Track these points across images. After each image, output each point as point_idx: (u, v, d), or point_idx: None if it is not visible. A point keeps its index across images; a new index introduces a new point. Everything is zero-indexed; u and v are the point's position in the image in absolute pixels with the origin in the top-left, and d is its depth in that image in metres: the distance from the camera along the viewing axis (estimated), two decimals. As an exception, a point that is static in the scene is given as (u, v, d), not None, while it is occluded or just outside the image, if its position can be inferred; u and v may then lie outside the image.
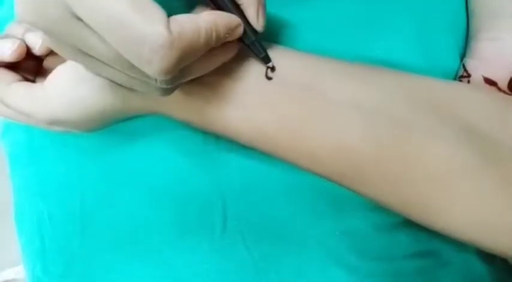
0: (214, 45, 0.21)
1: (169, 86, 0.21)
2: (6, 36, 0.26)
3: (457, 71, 0.29)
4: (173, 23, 0.18)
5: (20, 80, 0.26)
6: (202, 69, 0.22)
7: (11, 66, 0.26)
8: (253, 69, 0.24)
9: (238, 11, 0.22)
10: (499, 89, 0.26)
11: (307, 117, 0.24)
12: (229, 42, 0.22)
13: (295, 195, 0.28)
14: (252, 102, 0.24)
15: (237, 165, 0.28)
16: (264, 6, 0.22)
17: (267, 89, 0.24)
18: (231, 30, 0.21)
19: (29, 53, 0.26)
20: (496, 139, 0.24)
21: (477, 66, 0.27)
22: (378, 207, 0.27)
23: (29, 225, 0.35)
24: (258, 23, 0.22)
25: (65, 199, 0.32)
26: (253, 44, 0.24)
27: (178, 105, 0.25)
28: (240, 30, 0.22)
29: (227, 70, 0.24)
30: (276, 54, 0.24)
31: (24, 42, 0.25)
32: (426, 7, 0.28)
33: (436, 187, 0.23)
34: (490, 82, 0.27)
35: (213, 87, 0.24)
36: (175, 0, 0.26)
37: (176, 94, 0.24)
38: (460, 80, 0.28)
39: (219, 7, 0.22)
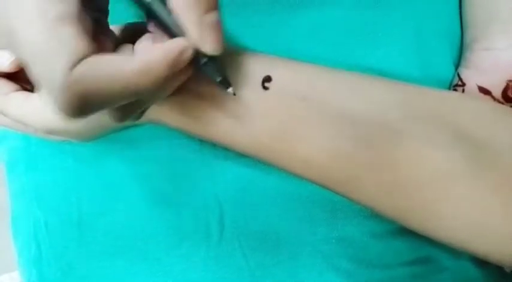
0: (157, 85, 0.18)
1: (122, 115, 0.21)
2: None
3: (452, 80, 0.29)
4: (82, 66, 0.17)
5: (18, 90, 0.26)
6: (160, 97, 0.21)
7: (9, 76, 0.27)
8: (249, 79, 0.24)
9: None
10: (494, 98, 0.27)
11: (302, 126, 0.24)
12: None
13: (291, 203, 0.28)
14: (247, 111, 0.24)
15: (233, 173, 0.28)
16: (213, 25, 0.19)
17: (262, 98, 0.24)
18: (174, 61, 0.18)
19: None
20: (488, 145, 0.24)
21: (471, 75, 0.27)
22: (374, 215, 0.27)
23: (26, 232, 0.35)
24: (204, 47, 0.19)
25: (62, 206, 0.32)
26: (206, 66, 0.20)
27: (174, 114, 0.25)
28: (186, 55, 0.19)
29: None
30: (271, 64, 0.24)
31: None
32: (421, 17, 0.28)
33: (430, 193, 0.23)
34: (484, 91, 0.27)
35: (209, 97, 0.24)
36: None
37: (172, 104, 0.25)
38: (455, 89, 0.28)
39: (166, 31, 0.20)
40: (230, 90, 0.22)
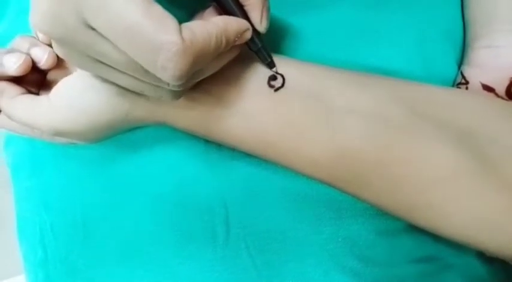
0: (224, 50, 0.21)
1: (180, 89, 0.21)
2: (12, 51, 0.26)
3: (455, 78, 0.29)
4: (185, 30, 0.19)
5: (24, 93, 0.27)
6: (211, 70, 0.23)
7: (15, 80, 0.27)
8: (256, 78, 0.25)
9: (243, 13, 0.23)
10: (497, 95, 0.27)
11: (309, 124, 0.24)
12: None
13: (297, 202, 0.28)
14: (254, 110, 0.24)
15: (239, 173, 0.28)
16: (268, 9, 0.23)
17: (269, 97, 0.24)
18: (240, 34, 0.22)
19: (33, 67, 0.26)
20: (494, 143, 0.24)
21: (475, 73, 0.28)
22: (380, 213, 0.27)
23: (31, 236, 0.35)
24: (261, 25, 0.23)
25: (67, 209, 0.32)
26: (260, 50, 0.24)
27: (181, 114, 0.26)
28: (248, 34, 0.22)
29: (230, 79, 0.25)
30: (278, 63, 0.25)
31: (30, 57, 0.26)
32: (424, 17, 0.28)
33: (437, 190, 0.23)
34: (488, 88, 0.27)
35: (216, 96, 0.25)
36: (178, 10, 0.26)
37: (180, 103, 0.25)
38: (459, 87, 0.29)
39: (224, 9, 0.23)
40: (275, 69, 0.25)
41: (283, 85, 0.25)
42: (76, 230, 0.32)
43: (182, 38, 0.18)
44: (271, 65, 0.25)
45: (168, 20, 0.18)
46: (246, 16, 0.23)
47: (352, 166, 0.24)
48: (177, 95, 0.23)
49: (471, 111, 0.25)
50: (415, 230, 0.27)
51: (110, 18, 0.18)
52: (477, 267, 0.30)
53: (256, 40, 0.24)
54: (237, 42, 0.22)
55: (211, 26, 0.20)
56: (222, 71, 0.24)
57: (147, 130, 0.29)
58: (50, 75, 0.28)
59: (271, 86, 0.25)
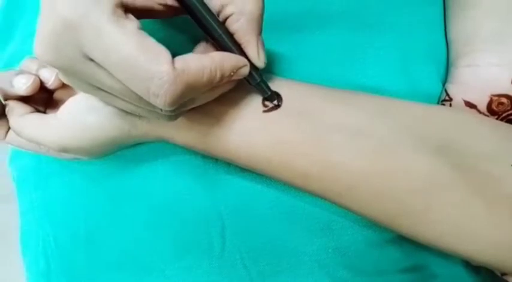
0: (219, 83, 0.22)
1: (173, 114, 0.23)
2: (21, 72, 0.27)
3: (440, 96, 0.30)
4: (179, 61, 0.20)
5: (32, 112, 0.28)
6: (204, 100, 0.24)
7: (24, 99, 0.28)
8: (251, 100, 0.26)
9: (240, 49, 0.23)
10: (479, 111, 0.28)
11: (299, 140, 0.25)
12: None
13: (289, 214, 0.29)
14: (250, 128, 0.26)
15: (234, 187, 0.29)
16: (263, 44, 0.24)
17: (262, 116, 0.26)
18: (236, 69, 0.23)
19: (41, 87, 0.28)
20: (469, 153, 0.25)
21: (457, 91, 0.29)
22: (370, 224, 0.28)
23: (35, 247, 0.36)
24: (259, 61, 0.24)
25: (70, 222, 0.33)
26: (259, 85, 0.25)
27: (181, 131, 0.27)
28: (246, 70, 0.23)
29: (228, 100, 0.26)
30: (273, 84, 0.26)
31: (38, 78, 0.27)
32: (408, 38, 0.29)
33: (418, 200, 0.24)
34: (470, 105, 0.28)
35: (215, 115, 0.26)
36: (178, 35, 0.28)
37: (180, 121, 0.26)
38: (443, 104, 0.30)
39: (221, 46, 0.23)
40: (275, 102, 0.26)
41: (279, 106, 0.26)
42: (78, 242, 0.33)
43: (174, 68, 0.20)
44: (271, 98, 0.26)
45: (160, 51, 0.20)
46: (242, 52, 0.24)
47: (340, 179, 0.25)
48: (172, 118, 0.24)
49: (450, 126, 0.26)
50: (403, 240, 0.28)
51: (106, 51, 0.19)
52: (464, 277, 0.30)
53: (255, 75, 0.25)
54: (234, 77, 0.23)
55: (207, 59, 0.21)
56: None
57: (147, 145, 0.30)
58: (57, 95, 0.30)
59: (265, 106, 0.26)
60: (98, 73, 0.20)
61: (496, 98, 0.27)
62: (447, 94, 0.29)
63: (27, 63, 0.29)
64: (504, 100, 0.27)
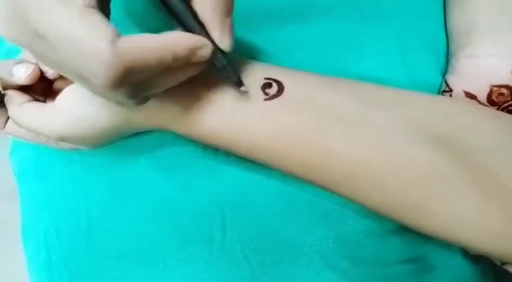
0: (173, 65, 0.21)
1: (135, 99, 0.22)
2: (22, 61, 0.27)
3: (440, 86, 0.30)
4: (122, 40, 0.19)
5: (31, 101, 0.28)
6: (168, 84, 0.23)
7: (24, 88, 0.28)
8: (251, 86, 0.26)
9: (205, 31, 0.22)
10: (479, 102, 0.28)
11: (300, 129, 0.25)
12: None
13: (289, 204, 0.29)
14: (250, 116, 0.25)
15: (235, 177, 0.29)
16: (230, 27, 0.22)
17: (262, 104, 0.25)
18: (193, 51, 0.21)
19: (41, 76, 0.28)
20: (467, 144, 0.25)
21: (458, 82, 0.29)
22: (370, 215, 0.28)
23: (36, 239, 0.36)
24: (221, 43, 0.22)
25: (72, 213, 0.33)
26: (225, 68, 0.23)
27: (179, 119, 0.26)
28: (206, 51, 0.22)
29: (225, 85, 0.26)
30: (272, 71, 0.26)
31: (38, 67, 0.27)
32: (407, 29, 0.29)
33: (420, 191, 0.24)
34: (470, 96, 0.28)
35: (214, 102, 0.26)
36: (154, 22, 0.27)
37: (177, 109, 0.26)
38: (443, 95, 0.30)
39: (186, 29, 0.22)
40: (243, 88, 0.24)
41: (279, 94, 0.25)
42: (79, 232, 0.33)
43: (114, 46, 0.19)
44: (238, 84, 0.24)
45: (102, 28, 0.19)
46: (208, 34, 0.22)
47: (340, 167, 0.25)
48: (135, 103, 0.23)
49: (450, 117, 0.26)
50: (404, 231, 0.28)
51: (51, 27, 0.19)
52: (464, 267, 0.30)
53: (221, 57, 0.23)
54: (194, 59, 0.22)
55: (156, 39, 0.20)
56: (218, 77, 0.25)
57: (147, 136, 0.30)
58: (56, 84, 0.29)
59: (266, 94, 0.26)
60: (51, 51, 0.20)
61: (496, 88, 0.27)
62: (447, 85, 0.29)
63: (27, 53, 0.28)
64: (504, 91, 0.27)
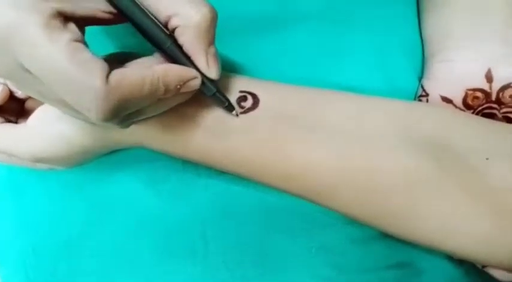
0: (164, 96, 0.22)
1: (122, 125, 0.22)
2: None
3: (416, 92, 0.30)
4: (114, 74, 0.19)
5: (3, 122, 0.27)
6: (156, 111, 0.23)
7: None
8: (231, 100, 0.25)
9: (191, 61, 0.23)
10: (455, 106, 0.28)
11: (279, 142, 0.25)
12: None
13: (271, 215, 0.29)
14: (227, 129, 0.25)
15: (215, 190, 0.29)
16: (215, 54, 0.23)
17: (240, 118, 0.25)
18: (183, 82, 0.22)
19: (11, 96, 0.27)
20: (450, 149, 0.25)
21: (434, 86, 0.29)
22: (352, 222, 0.28)
23: (13, 259, 0.35)
24: (209, 72, 0.23)
25: (50, 231, 0.32)
26: (215, 95, 0.24)
27: (157, 136, 0.26)
28: (196, 82, 0.23)
29: (205, 101, 0.25)
30: (248, 84, 0.26)
31: (7, 87, 0.26)
32: (384, 36, 0.29)
33: (403, 198, 0.24)
34: (446, 100, 0.28)
35: (192, 118, 0.25)
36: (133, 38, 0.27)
37: (155, 126, 0.26)
38: (420, 99, 0.30)
39: (171, 57, 0.23)
40: (234, 112, 0.25)
41: (254, 107, 0.25)
42: (59, 251, 0.32)
43: (106, 82, 0.19)
44: (229, 108, 0.25)
45: (94, 65, 0.19)
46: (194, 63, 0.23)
47: (320, 178, 0.25)
48: (122, 127, 0.23)
49: (428, 122, 0.26)
50: (387, 236, 0.27)
51: (39, 63, 0.19)
52: (448, 270, 0.30)
53: (210, 86, 0.24)
54: (184, 90, 0.22)
55: (148, 72, 0.21)
56: (196, 94, 0.24)
57: (125, 153, 0.30)
58: (28, 104, 0.29)
59: (241, 107, 0.25)
60: (37, 84, 0.20)
61: (471, 92, 0.28)
62: (423, 90, 0.30)
63: None
64: (479, 94, 0.28)
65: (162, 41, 0.22)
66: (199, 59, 0.23)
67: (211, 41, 0.23)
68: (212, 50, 0.23)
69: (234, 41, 0.28)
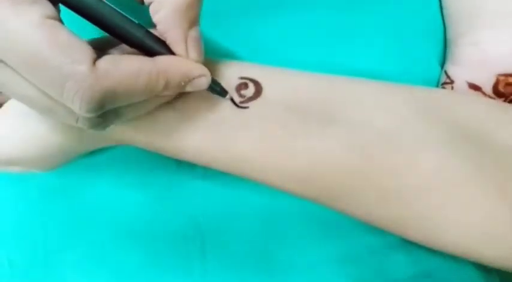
0: (165, 92, 0.20)
1: (102, 124, 0.20)
2: None
3: (439, 78, 0.28)
4: (105, 61, 0.18)
5: None
6: (148, 108, 0.21)
7: None
8: (229, 88, 0.23)
9: (169, 50, 0.20)
10: (484, 94, 0.26)
11: (286, 137, 0.23)
12: None
13: (278, 221, 0.27)
14: (228, 127, 0.23)
15: (214, 194, 0.27)
16: (198, 40, 0.21)
17: (243, 112, 0.23)
18: (189, 79, 0.20)
19: None
20: (489, 145, 0.23)
21: (460, 72, 0.27)
22: (370, 230, 0.26)
23: None
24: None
25: (27, 242, 0.31)
26: (211, 89, 0.22)
27: (143, 132, 0.24)
28: (204, 81, 0.21)
29: (200, 95, 0.23)
30: (252, 70, 0.24)
31: None
32: (401, 16, 0.27)
33: (430, 200, 0.22)
34: (474, 87, 0.26)
35: (181, 110, 0.23)
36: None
37: (142, 121, 0.23)
38: (443, 87, 0.28)
39: (144, 50, 0.20)
40: (228, 96, 0.23)
41: (257, 96, 0.23)
42: (36, 264, 0.31)
43: (94, 69, 0.17)
44: (222, 94, 0.23)
45: (77, 47, 0.17)
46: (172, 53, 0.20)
47: (337, 177, 0.23)
48: (99, 127, 0.21)
49: (460, 113, 0.24)
50: (408, 245, 0.26)
51: (13, 46, 0.17)
52: (473, 280, 0.29)
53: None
54: (189, 89, 0.20)
55: (147, 63, 0.19)
56: None
57: (111, 152, 0.28)
58: None
59: (241, 96, 0.23)
60: (9, 76, 0.18)
61: (502, 78, 0.26)
62: (448, 76, 0.28)
63: None
64: (512, 80, 0.26)
65: (129, 30, 0.19)
66: (177, 44, 0.20)
67: (194, 22, 0.20)
68: (194, 33, 0.20)
69: (230, 23, 0.26)
